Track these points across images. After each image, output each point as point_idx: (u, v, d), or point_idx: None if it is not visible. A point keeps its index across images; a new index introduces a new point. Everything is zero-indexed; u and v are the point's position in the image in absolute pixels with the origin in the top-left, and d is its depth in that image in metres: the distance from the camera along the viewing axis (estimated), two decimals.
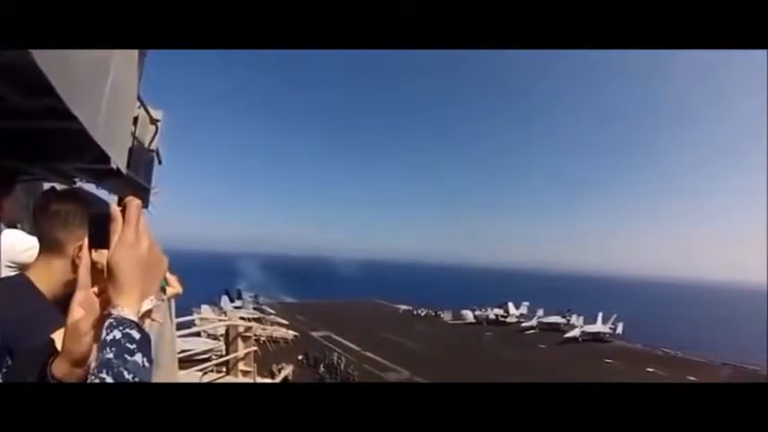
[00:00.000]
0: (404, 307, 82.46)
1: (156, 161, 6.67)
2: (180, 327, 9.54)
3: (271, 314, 58.16)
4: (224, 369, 11.84)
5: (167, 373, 6.15)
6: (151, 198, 6.72)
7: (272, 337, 46.25)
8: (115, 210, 1.21)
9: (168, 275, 6.02)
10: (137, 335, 1.11)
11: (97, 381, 1.01)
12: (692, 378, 40.57)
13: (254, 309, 59.47)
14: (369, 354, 43.48)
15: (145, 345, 1.12)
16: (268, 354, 39.19)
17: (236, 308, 54.52)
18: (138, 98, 4.84)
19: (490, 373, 38.15)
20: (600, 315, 64.02)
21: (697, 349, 56.21)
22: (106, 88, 3.09)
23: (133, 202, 1.22)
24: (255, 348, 12.67)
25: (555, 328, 63.35)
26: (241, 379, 11.36)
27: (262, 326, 48.06)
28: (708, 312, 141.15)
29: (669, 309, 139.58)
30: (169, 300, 6.16)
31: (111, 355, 1.04)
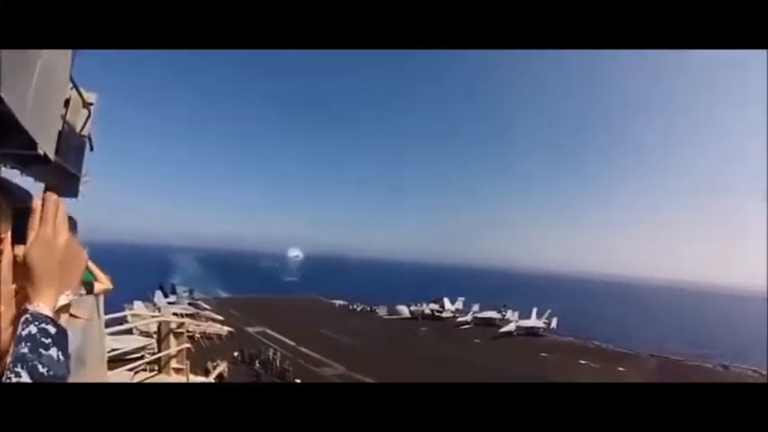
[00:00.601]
0: (340, 302, 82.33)
1: (87, 147, 6.19)
2: (110, 324, 8.99)
3: (206, 310, 56.17)
4: (156, 367, 11.27)
5: (95, 372, 5.75)
6: (81, 186, 6.24)
7: (205, 333, 44.81)
8: (37, 204, 1.20)
9: (97, 271, 5.64)
10: (52, 329, 1.12)
11: (12, 375, 1.02)
12: (621, 368, 42.80)
13: (189, 304, 57.06)
14: (304, 349, 42.98)
15: (61, 339, 1.13)
16: (202, 350, 37.91)
17: (170, 303, 52.06)
18: (71, 80, 4.46)
19: (425, 368, 38.59)
20: (535, 310, 65.76)
21: (625, 342, 58.62)
22: (36, 68, 2.80)
23: (51, 198, 1.21)
24: (188, 345, 12.17)
25: (490, 323, 64.41)
26: (173, 377, 10.85)
27: (196, 322, 46.45)
28: (635, 307, 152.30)
29: (599, 304, 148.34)
30: (97, 296, 5.78)
31: (25, 350, 1.06)
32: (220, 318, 52.29)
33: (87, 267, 5.54)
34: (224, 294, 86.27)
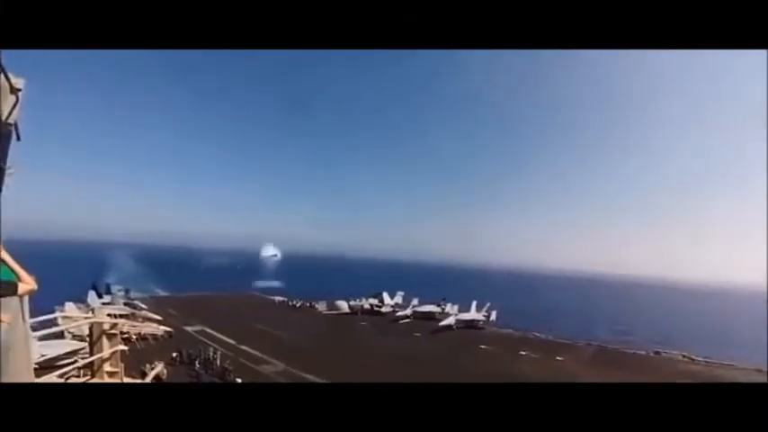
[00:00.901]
0: (279, 298, 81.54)
1: (14, 136, 5.68)
2: (39, 328, 8.33)
3: (143, 310, 53.74)
4: (89, 372, 10.55)
5: (20, 380, 5.26)
6: (6, 178, 5.71)
7: (141, 333, 42.92)
8: None
9: (20, 270, 5.21)
10: None
11: None
12: (559, 358, 44.21)
13: (125, 304, 54.40)
14: (244, 347, 42.19)
15: None
16: (138, 352, 36.18)
17: (104, 304, 49.37)
18: None
19: (365, 362, 38.72)
20: (474, 303, 66.66)
21: (565, 332, 60.80)
22: None
23: None
24: (123, 347, 11.50)
25: (430, 316, 65.01)
26: (107, 381, 10.19)
27: (132, 323, 44.41)
28: (571, 298, 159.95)
29: (539, 297, 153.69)
30: (21, 297, 5.33)
31: None
32: (158, 318, 50.43)
33: (9, 266, 5.11)
34: (161, 293, 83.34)
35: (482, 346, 48.78)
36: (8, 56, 4.38)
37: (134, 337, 41.50)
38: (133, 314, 49.97)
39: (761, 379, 38.56)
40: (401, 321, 63.46)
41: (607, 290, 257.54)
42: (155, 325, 46.61)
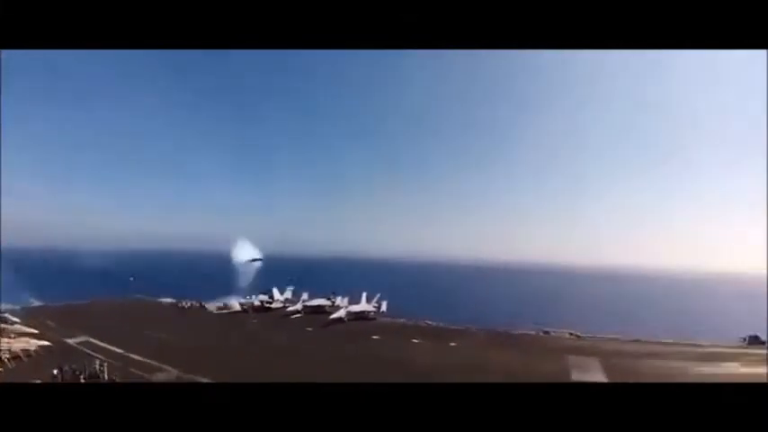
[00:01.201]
0: (167, 300, 78.97)
1: None
2: None
3: (15, 323, 49.50)
4: None
5: None
6: None
7: (11, 350, 39.63)
8: None
9: None
10: None
11: None
12: (452, 344, 46.34)
13: None
14: (134, 356, 40.76)
15: None
16: (9, 372, 33.95)
17: None
18: None
19: (257, 359, 39.60)
20: (364, 295, 68.30)
21: (463, 319, 63.13)
22: None
23: None
24: None
25: (320, 310, 66.11)
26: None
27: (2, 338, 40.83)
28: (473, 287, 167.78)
29: (437, 286, 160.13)
30: None
31: None
32: (33, 331, 46.98)
33: None
34: (35, 303, 76.65)
35: (374, 337, 50.39)
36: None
37: (5, 357, 38.49)
38: (3, 329, 45.92)
39: (641, 348, 43.58)
40: (292, 317, 64.09)
41: (507, 277, 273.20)
42: (30, 340, 43.16)
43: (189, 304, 73.94)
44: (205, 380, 33.45)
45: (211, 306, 72.97)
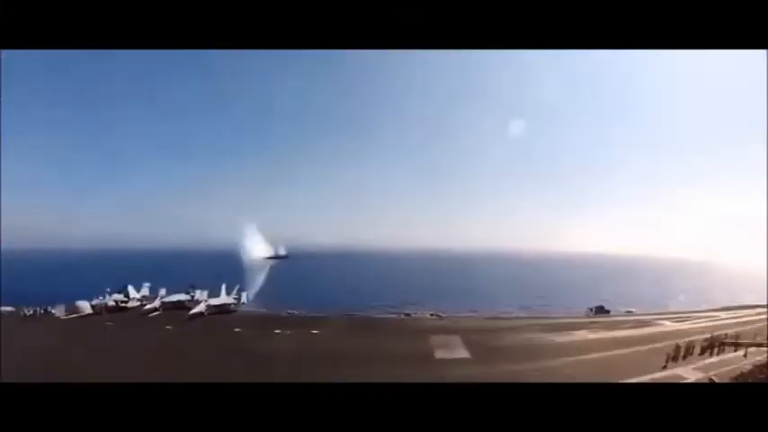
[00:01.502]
0: (6, 308, 67.06)
1: None
2: None
3: None
4: None
5: None
6: None
7: None
8: None
9: None
10: None
11: None
12: (314, 331, 47.10)
13: None
14: None
15: None
16: None
17: None
18: None
19: (110, 365, 36.68)
20: (224, 287, 66.76)
21: (327, 306, 64.82)
22: None
23: None
24: None
25: (180, 306, 63.43)
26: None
27: None
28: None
29: (301, 274, 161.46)
30: None
31: None
32: None
33: None
34: None
35: (236, 330, 49.95)
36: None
37: None
38: None
39: (499, 324, 46.78)
40: (150, 315, 60.76)
41: (369, 262, 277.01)
42: None
43: (31, 311, 64.48)
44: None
45: (58, 310, 64.15)
